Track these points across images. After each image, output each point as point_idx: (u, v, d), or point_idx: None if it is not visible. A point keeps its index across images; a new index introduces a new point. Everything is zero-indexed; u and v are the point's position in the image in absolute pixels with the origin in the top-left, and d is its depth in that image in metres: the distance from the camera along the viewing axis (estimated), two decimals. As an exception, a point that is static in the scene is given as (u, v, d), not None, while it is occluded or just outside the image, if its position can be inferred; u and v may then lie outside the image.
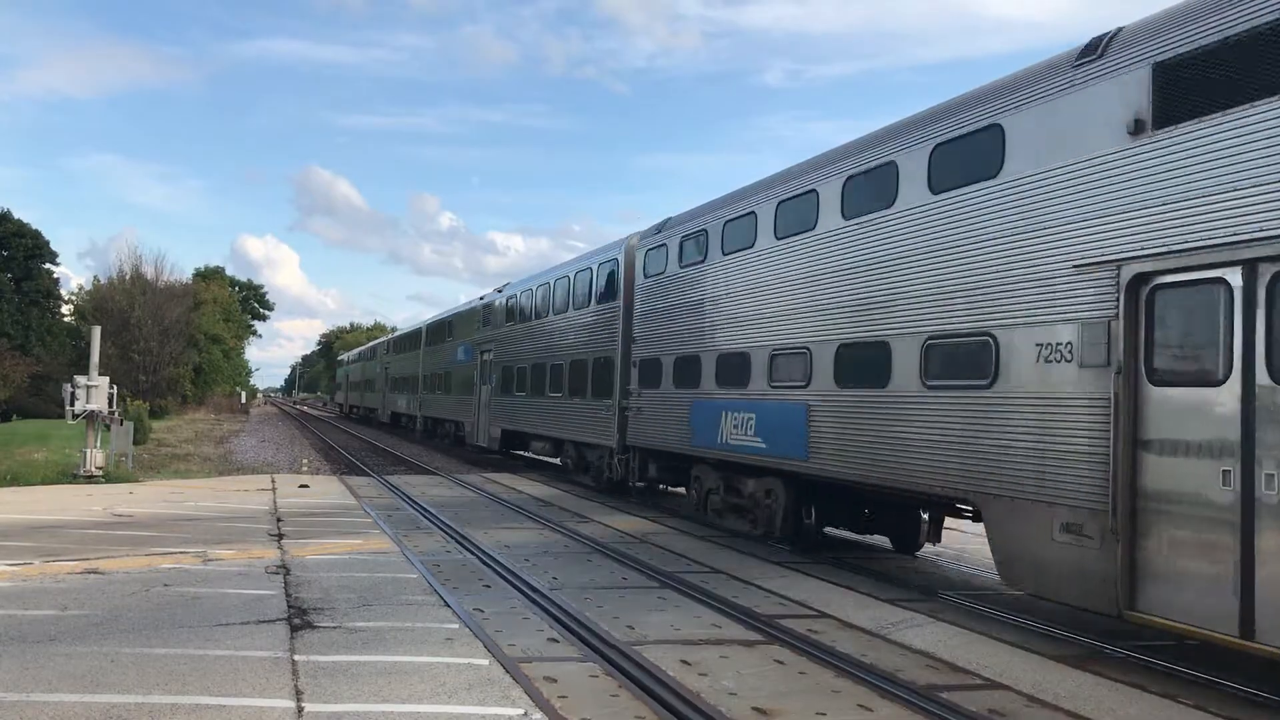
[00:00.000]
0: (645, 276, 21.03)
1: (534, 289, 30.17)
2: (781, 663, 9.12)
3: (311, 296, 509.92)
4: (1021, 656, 9.61)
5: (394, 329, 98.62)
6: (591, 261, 25.07)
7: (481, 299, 37.28)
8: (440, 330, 45.18)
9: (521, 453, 33.36)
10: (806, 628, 10.46)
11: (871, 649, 9.71)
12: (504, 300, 33.79)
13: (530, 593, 11.77)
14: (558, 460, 28.37)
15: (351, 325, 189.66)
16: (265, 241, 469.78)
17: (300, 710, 7.14)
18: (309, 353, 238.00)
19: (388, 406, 61.39)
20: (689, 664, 8.86)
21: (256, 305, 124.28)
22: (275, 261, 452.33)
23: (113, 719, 6.82)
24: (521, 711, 7.29)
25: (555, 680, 8.18)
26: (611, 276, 23.31)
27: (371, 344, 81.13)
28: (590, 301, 24.73)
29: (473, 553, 14.63)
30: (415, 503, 21.02)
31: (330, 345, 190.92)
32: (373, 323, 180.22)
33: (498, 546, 15.13)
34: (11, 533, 14.88)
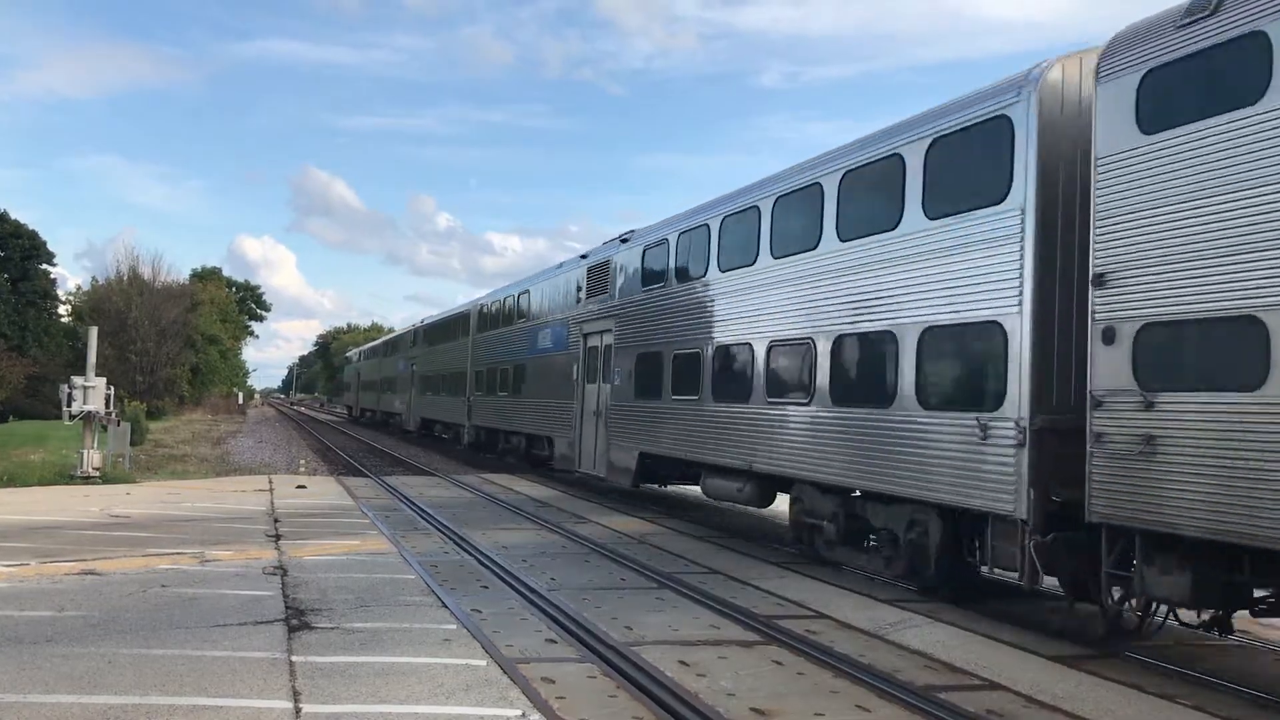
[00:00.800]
0: (1150, 129, 9.20)
1: (714, 224, 17.81)
2: (780, 663, 9.11)
3: (309, 297, 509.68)
4: (1019, 657, 9.61)
5: (391, 329, 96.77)
6: (899, 140, 12.93)
7: (583, 258, 25.63)
8: (503, 311, 33.22)
9: (676, 488, 23.37)
10: (804, 628, 10.46)
11: (870, 649, 9.70)
12: (637, 254, 21.54)
13: (528, 593, 11.76)
14: (761, 508, 17.48)
15: (349, 326, 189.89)
16: (263, 242, 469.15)
17: (298, 711, 7.13)
18: (306, 353, 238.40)
19: (417, 411, 48.84)
20: (687, 664, 8.86)
21: (254, 306, 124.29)
22: (272, 262, 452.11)
23: (110, 720, 6.81)
24: (519, 712, 7.29)
25: (553, 681, 8.17)
26: (982, 151, 11.46)
27: (391, 335, 66.59)
28: (896, 219, 12.62)
29: (470, 553, 14.61)
30: (413, 503, 21.00)
31: (328, 346, 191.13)
32: (370, 323, 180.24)
33: (495, 547, 15.11)
34: (8, 534, 14.85)
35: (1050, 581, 10.32)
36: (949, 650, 9.75)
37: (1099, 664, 9.42)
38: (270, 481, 25.44)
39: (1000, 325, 10.84)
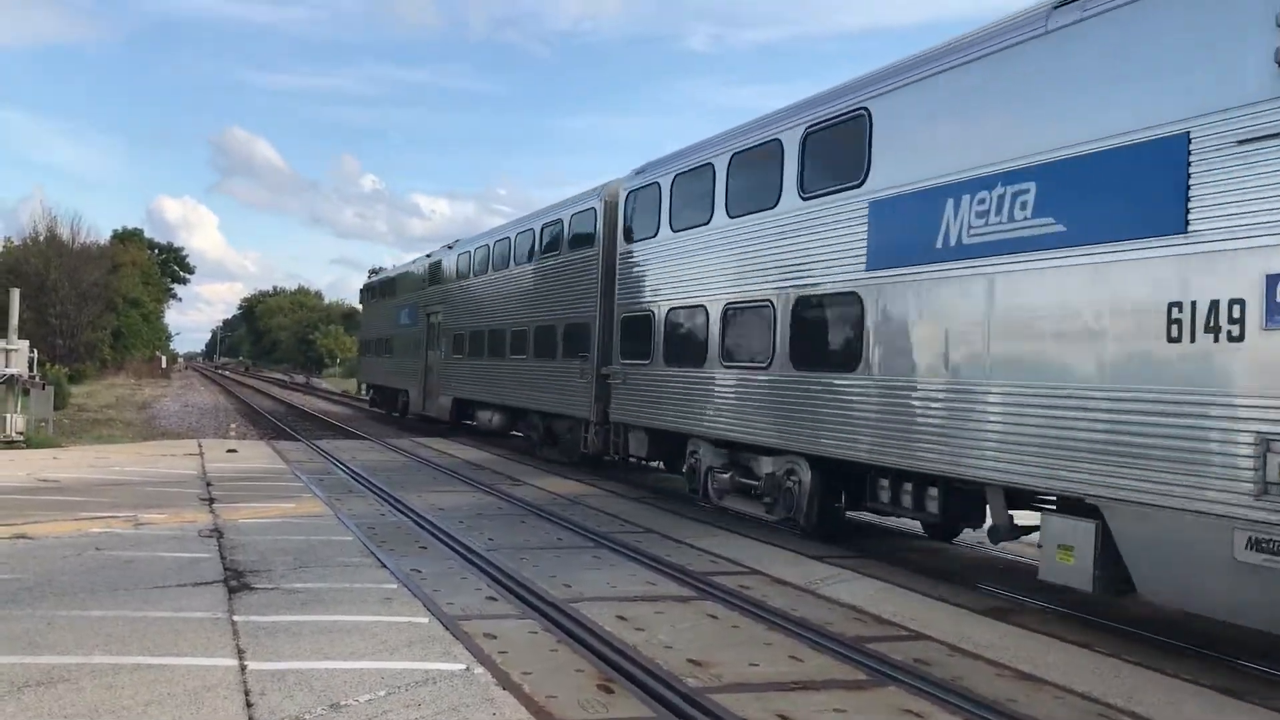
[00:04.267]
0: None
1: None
2: (715, 617, 9.37)
3: (231, 260, 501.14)
4: (945, 609, 9.97)
5: (318, 293, 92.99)
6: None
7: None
8: None
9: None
10: (738, 584, 10.73)
11: (801, 603, 10.00)
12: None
13: (467, 553, 11.89)
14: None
15: (275, 289, 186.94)
16: (183, 203, 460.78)
17: (243, 668, 7.20)
18: (230, 317, 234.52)
19: None
20: (625, 619, 9.07)
21: (176, 268, 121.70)
22: (193, 224, 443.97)
23: (54, 679, 6.83)
24: (463, 666, 7.44)
25: (495, 637, 8.33)
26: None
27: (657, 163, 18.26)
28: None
29: (407, 515, 14.69)
30: (346, 467, 20.96)
31: (252, 309, 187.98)
32: (296, 286, 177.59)
33: (432, 509, 15.20)
34: (-67, 498, 14.60)
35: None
36: (878, 603, 10.08)
37: (1023, 616, 9.81)
38: (200, 446, 25.16)
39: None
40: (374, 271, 46.34)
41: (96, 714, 6.22)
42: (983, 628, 9.31)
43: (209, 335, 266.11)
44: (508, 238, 26.12)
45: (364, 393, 47.92)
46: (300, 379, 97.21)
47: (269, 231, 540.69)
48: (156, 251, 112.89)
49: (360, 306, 48.61)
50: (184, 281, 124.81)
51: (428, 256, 34.29)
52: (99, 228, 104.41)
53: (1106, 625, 9.46)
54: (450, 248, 31.74)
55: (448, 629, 8.47)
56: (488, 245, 27.65)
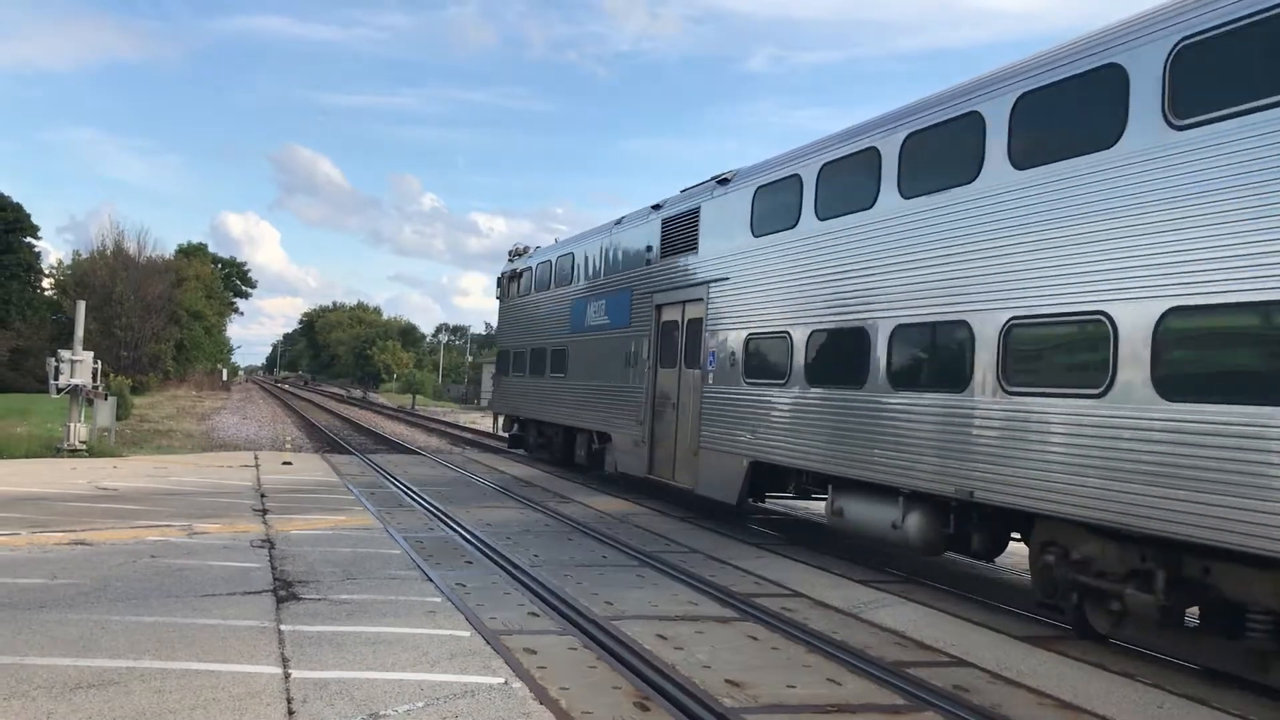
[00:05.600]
0: None
1: None
2: (755, 639, 9.37)
3: (292, 275, 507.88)
4: (988, 636, 9.89)
5: (377, 308, 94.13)
6: None
7: None
8: None
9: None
10: (780, 606, 10.72)
11: (843, 627, 9.98)
12: None
13: (511, 569, 12.00)
14: None
15: (334, 304, 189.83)
16: (246, 218, 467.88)
17: (287, 676, 7.34)
18: (290, 331, 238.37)
19: None
20: (665, 639, 9.11)
21: (239, 283, 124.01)
22: (256, 239, 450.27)
23: (105, 682, 7.02)
24: (502, 680, 7.52)
25: (535, 652, 8.41)
26: None
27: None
28: None
29: (455, 530, 14.84)
30: (398, 481, 21.20)
31: (312, 324, 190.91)
32: (356, 302, 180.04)
33: (479, 525, 15.34)
34: (-3, 504, 15.01)
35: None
36: (920, 629, 10.03)
37: (1066, 644, 9.70)
38: (256, 458, 25.60)
39: None
40: (517, 252, 29.11)
41: (143, 717, 6.38)
42: (1025, 655, 9.23)
43: (270, 349, 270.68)
44: (944, 121, 11.71)
45: (501, 428, 32.44)
46: (358, 393, 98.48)
47: (329, 247, 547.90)
48: (220, 266, 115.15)
49: (497, 301, 31.59)
50: (246, 295, 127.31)
51: (655, 209, 20.31)
52: (164, 242, 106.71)
53: (1151, 656, 9.33)
54: (724, 181, 17.19)
55: (489, 643, 8.56)
56: (872, 150, 12.93)
